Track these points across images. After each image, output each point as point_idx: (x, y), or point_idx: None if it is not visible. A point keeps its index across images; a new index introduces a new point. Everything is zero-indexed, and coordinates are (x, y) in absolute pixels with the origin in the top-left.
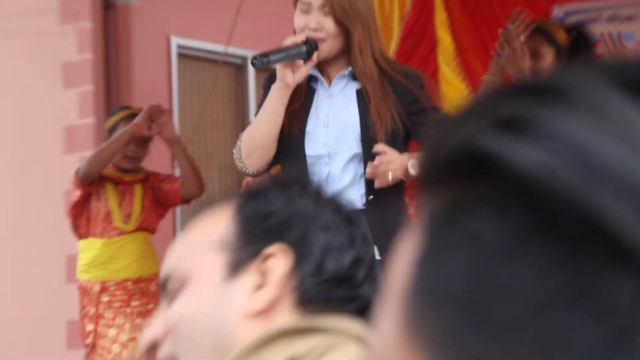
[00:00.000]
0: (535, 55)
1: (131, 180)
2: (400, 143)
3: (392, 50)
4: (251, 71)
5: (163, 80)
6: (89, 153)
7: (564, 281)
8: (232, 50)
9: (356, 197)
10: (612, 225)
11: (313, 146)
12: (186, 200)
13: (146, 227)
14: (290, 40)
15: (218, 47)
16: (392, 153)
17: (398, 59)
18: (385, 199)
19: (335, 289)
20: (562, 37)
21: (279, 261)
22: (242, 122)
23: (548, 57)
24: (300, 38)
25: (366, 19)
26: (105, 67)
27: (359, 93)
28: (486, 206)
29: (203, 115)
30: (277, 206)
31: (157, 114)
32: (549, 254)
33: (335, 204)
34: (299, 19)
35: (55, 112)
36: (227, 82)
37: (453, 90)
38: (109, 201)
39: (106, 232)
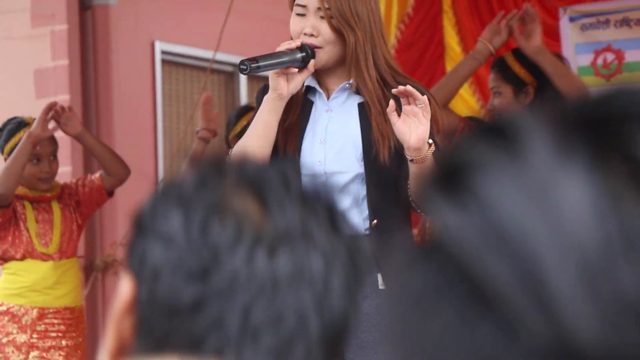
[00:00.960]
0: (495, 93)
1: (49, 197)
2: (407, 162)
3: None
4: (242, 80)
5: (146, 89)
6: (65, 168)
7: (450, 325)
8: (221, 56)
9: (358, 221)
10: (494, 287)
11: (307, 164)
12: (112, 192)
13: (71, 253)
14: (284, 46)
15: (206, 53)
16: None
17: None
18: (390, 222)
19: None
20: (520, 70)
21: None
22: (227, 134)
23: (506, 95)
24: (294, 44)
25: (369, 24)
26: (82, 74)
27: (361, 107)
28: (424, 260)
29: (190, 128)
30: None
31: (57, 115)
32: (455, 306)
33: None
34: (295, 23)
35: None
36: (216, 92)
37: (462, 102)
38: (28, 222)
39: (30, 254)
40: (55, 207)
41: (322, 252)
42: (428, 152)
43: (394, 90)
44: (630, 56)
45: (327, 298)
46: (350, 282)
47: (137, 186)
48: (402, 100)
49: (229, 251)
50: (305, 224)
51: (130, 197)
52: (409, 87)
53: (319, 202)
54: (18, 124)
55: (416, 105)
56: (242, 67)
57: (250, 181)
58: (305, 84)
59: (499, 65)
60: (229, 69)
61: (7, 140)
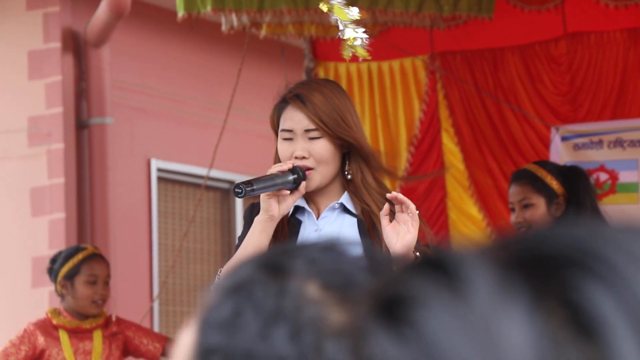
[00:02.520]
0: (525, 206)
1: (90, 328)
2: None
3: (400, 174)
4: None
5: (142, 206)
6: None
7: None
8: (216, 173)
9: None
10: None
11: None
12: None
13: None
14: (275, 168)
15: (201, 170)
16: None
17: (407, 183)
18: None
19: None
20: (552, 181)
21: None
22: (227, 253)
23: (539, 206)
24: (286, 166)
25: (359, 138)
26: (77, 192)
27: (360, 223)
28: None
29: (185, 244)
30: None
31: None
32: None
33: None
34: (283, 148)
35: (23, 243)
36: (211, 208)
37: (464, 218)
38: (65, 353)
39: None
40: (97, 336)
41: None
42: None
43: (388, 195)
44: (624, 177)
45: None
46: None
47: (133, 302)
48: (396, 207)
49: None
50: None
51: (128, 313)
52: (400, 195)
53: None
54: (76, 249)
55: (407, 213)
56: (237, 190)
57: (332, 283)
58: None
59: (528, 177)
60: (224, 185)
61: (63, 264)
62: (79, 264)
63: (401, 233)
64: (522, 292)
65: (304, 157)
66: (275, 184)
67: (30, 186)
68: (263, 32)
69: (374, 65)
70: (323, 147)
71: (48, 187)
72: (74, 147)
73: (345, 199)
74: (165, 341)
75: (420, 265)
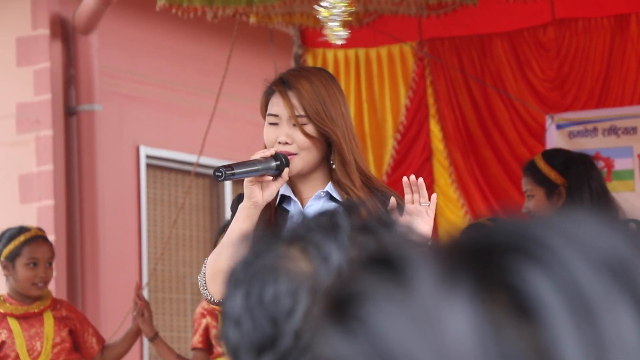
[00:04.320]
0: (529, 196)
1: (39, 311)
2: None
3: (386, 161)
4: (227, 183)
5: (131, 193)
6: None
7: None
8: (205, 160)
9: None
10: None
11: None
12: None
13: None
14: (258, 154)
15: (190, 157)
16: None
17: (393, 169)
18: None
19: None
20: (550, 172)
21: None
22: (217, 240)
23: (539, 197)
24: (269, 152)
25: (344, 127)
26: (66, 179)
27: None
28: None
29: (174, 231)
30: None
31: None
32: None
33: None
34: (269, 133)
35: None
36: (200, 195)
37: (450, 204)
38: (17, 340)
39: None
40: (48, 318)
41: None
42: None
43: (403, 180)
44: (619, 164)
45: None
46: None
47: (122, 289)
48: (407, 197)
49: (287, 316)
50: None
51: (116, 300)
52: (420, 180)
53: (368, 233)
54: (19, 230)
55: (420, 203)
56: (217, 174)
57: (296, 238)
58: (280, 193)
59: (530, 169)
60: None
61: (5, 245)
62: (20, 245)
63: (415, 225)
64: (464, 281)
65: (287, 143)
66: (257, 169)
67: (19, 173)
68: (252, 20)
69: (361, 52)
70: (306, 136)
71: (36, 174)
72: (62, 134)
73: (330, 187)
74: (103, 344)
75: (370, 262)
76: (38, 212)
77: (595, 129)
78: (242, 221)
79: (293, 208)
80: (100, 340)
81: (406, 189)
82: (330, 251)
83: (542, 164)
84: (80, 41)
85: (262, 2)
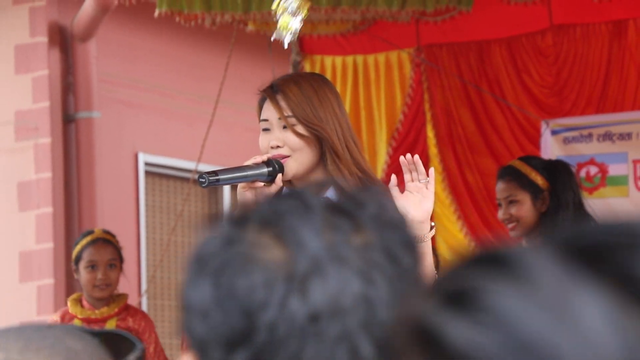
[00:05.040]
0: (511, 202)
1: (102, 318)
2: None
3: (380, 167)
4: (226, 190)
5: (129, 200)
6: (46, 281)
7: None
8: (204, 167)
9: None
10: None
11: None
12: None
13: None
14: (251, 160)
15: (189, 164)
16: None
17: (388, 176)
18: None
19: None
20: (536, 177)
21: None
22: None
23: (525, 202)
24: (261, 158)
25: (337, 127)
26: (65, 186)
27: None
28: None
29: (173, 238)
30: None
31: None
32: None
33: None
34: (262, 140)
35: (11, 237)
36: (199, 202)
37: (446, 210)
38: None
39: None
40: (111, 325)
41: (356, 269)
42: (429, 233)
43: (400, 159)
44: (614, 170)
45: (374, 316)
46: (397, 285)
47: None
48: (405, 176)
49: (261, 308)
50: (332, 246)
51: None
52: (416, 158)
53: (342, 214)
54: (86, 233)
55: (419, 180)
56: (200, 179)
57: (267, 224)
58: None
59: (513, 174)
60: None
61: (72, 249)
62: (82, 249)
63: (416, 202)
64: (584, 273)
65: (278, 146)
66: (246, 175)
67: (18, 180)
68: (250, 27)
69: (359, 58)
70: (296, 135)
71: (35, 181)
72: (61, 141)
73: (331, 192)
74: None
75: (475, 261)
76: (37, 219)
77: (590, 135)
78: None
79: None
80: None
81: (404, 168)
82: (305, 236)
83: (527, 169)
84: (79, 48)
85: (259, 9)
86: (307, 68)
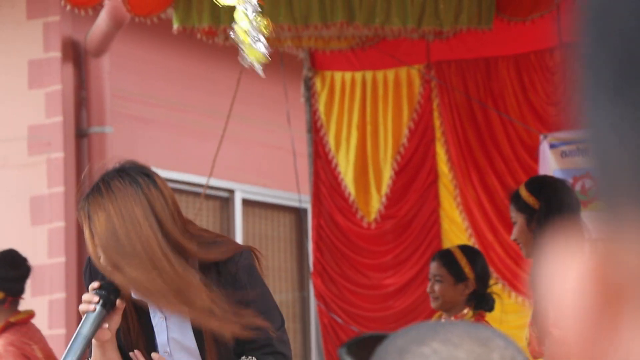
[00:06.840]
0: (514, 223)
1: None
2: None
3: (385, 182)
4: (238, 205)
5: None
6: (57, 295)
7: None
8: (215, 182)
9: None
10: None
11: None
12: None
13: None
14: (83, 306)
15: (200, 179)
16: None
17: (393, 192)
18: None
19: None
20: (529, 198)
21: None
22: None
23: (520, 224)
24: (91, 306)
25: (146, 251)
26: (77, 201)
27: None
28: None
29: None
30: None
31: None
32: None
33: None
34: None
35: (23, 251)
36: (210, 217)
37: (455, 227)
38: None
39: None
40: None
41: None
42: None
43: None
44: None
45: None
46: None
47: None
48: None
49: None
50: None
51: None
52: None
53: None
54: None
55: None
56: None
57: None
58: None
59: (514, 197)
60: (224, 194)
61: None
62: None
63: None
64: None
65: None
66: (95, 323)
67: (30, 195)
68: None
69: (369, 74)
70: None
71: (48, 195)
72: (73, 156)
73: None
74: None
75: None
76: (49, 233)
77: (587, 149)
78: (102, 356)
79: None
80: None
81: None
82: None
83: (524, 192)
84: (92, 64)
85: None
86: (318, 84)
